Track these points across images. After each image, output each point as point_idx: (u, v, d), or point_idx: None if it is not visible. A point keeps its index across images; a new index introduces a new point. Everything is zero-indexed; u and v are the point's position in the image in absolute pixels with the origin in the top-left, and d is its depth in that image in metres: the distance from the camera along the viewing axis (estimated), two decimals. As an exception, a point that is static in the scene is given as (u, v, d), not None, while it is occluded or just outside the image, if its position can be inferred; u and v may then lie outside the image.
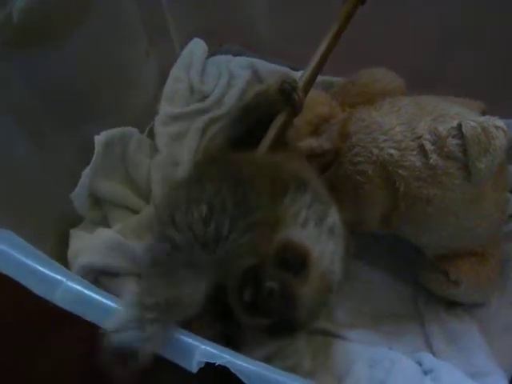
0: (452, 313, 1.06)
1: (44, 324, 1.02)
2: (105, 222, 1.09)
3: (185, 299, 0.63)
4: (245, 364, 0.54)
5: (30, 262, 0.60)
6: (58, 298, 0.58)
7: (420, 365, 0.98)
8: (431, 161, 0.92)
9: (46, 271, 0.59)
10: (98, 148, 1.06)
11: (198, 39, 1.37)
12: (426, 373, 0.96)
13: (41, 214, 0.99)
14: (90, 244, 0.98)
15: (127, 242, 0.97)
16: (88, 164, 1.04)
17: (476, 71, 1.23)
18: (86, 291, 0.59)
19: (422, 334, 1.05)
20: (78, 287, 0.59)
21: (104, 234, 1.00)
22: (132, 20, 1.18)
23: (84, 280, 0.61)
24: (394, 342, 1.02)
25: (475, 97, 1.10)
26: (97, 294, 0.59)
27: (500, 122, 0.91)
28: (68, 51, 1.01)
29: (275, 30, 1.41)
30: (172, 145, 1.19)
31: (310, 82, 0.99)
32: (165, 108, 1.23)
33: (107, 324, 0.59)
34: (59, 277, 0.59)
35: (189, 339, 0.57)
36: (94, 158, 1.05)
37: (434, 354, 1.01)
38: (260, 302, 0.67)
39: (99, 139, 1.07)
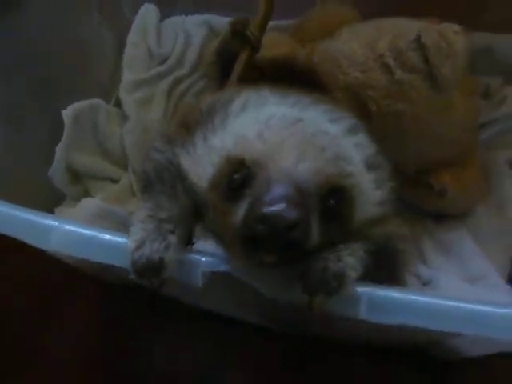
0: (440, 225, 1.08)
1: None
2: (87, 197, 1.09)
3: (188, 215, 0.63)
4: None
5: (18, 213, 0.60)
6: (54, 244, 0.58)
7: (418, 278, 1.00)
8: (396, 76, 0.93)
9: (38, 219, 0.59)
10: (67, 122, 1.05)
11: (148, 4, 1.36)
12: (424, 284, 0.98)
13: (21, 195, 0.98)
14: (77, 214, 0.98)
15: (113, 208, 0.97)
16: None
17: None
18: (82, 231, 0.58)
19: (415, 249, 1.06)
20: (74, 228, 0.58)
21: (89, 203, 1.00)
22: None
23: (77, 222, 0.61)
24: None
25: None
26: (94, 231, 0.59)
27: (457, 27, 0.92)
28: (17, 26, 0.99)
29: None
30: (140, 111, 1.18)
31: (264, 20, 0.98)
32: (127, 75, 1.23)
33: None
34: (52, 222, 0.58)
35: (191, 254, 0.58)
36: (64, 132, 1.05)
37: (429, 266, 1.03)
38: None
39: (67, 113, 1.07)
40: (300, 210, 0.51)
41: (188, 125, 0.68)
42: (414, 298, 0.54)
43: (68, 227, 0.58)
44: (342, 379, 0.95)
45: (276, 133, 0.58)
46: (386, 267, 0.65)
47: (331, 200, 0.57)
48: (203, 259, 0.56)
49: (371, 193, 0.63)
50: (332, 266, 0.55)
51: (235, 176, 0.57)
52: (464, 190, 1.04)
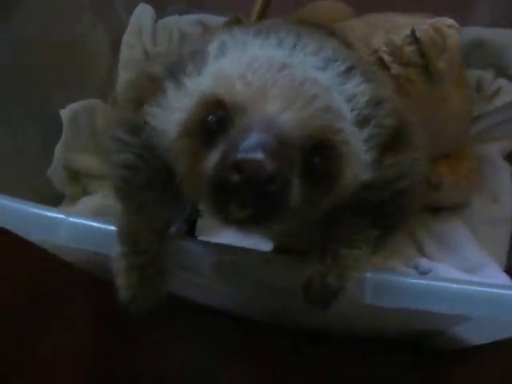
0: (437, 217, 1.09)
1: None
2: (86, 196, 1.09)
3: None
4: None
5: (25, 207, 0.60)
6: (63, 237, 0.58)
7: (417, 269, 1.01)
8: (392, 71, 0.94)
9: (45, 212, 0.59)
10: (65, 122, 1.06)
11: (143, 4, 1.37)
12: (423, 274, 0.99)
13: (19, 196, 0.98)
14: (78, 212, 0.98)
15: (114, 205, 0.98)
16: (60, 140, 1.05)
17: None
18: (92, 223, 0.59)
19: (413, 242, 1.07)
20: (83, 221, 0.59)
21: (90, 201, 1.00)
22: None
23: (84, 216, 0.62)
24: (387, 253, 1.04)
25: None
26: (102, 223, 0.60)
27: (451, 21, 0.93)
28: (11, 26, 1.00)
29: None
30: (137, 110, 1.18)
31: (260, 15, 0.99)
32: (123, 76, 1.23)
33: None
34: (60, 215, 0.59)
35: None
36: (63, 132, 1.05)
37: (427, 258, 1.04)
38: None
39: (65, 113, 1.07)
40: (280, 162, 0.45)
41: (142, 98, 0.58)
42: (418, 281, 0.56)
43: (75, 220, 0.59)
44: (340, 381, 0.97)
45: (261, 76, 0.50)
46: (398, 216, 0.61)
47: (316, 157, 0.50)
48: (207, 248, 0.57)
49: (362, 155, 0.54)
50: (332, 283, 0.55)
51: (211, 117, 0.50)
52: (459, 182, 1.05)
